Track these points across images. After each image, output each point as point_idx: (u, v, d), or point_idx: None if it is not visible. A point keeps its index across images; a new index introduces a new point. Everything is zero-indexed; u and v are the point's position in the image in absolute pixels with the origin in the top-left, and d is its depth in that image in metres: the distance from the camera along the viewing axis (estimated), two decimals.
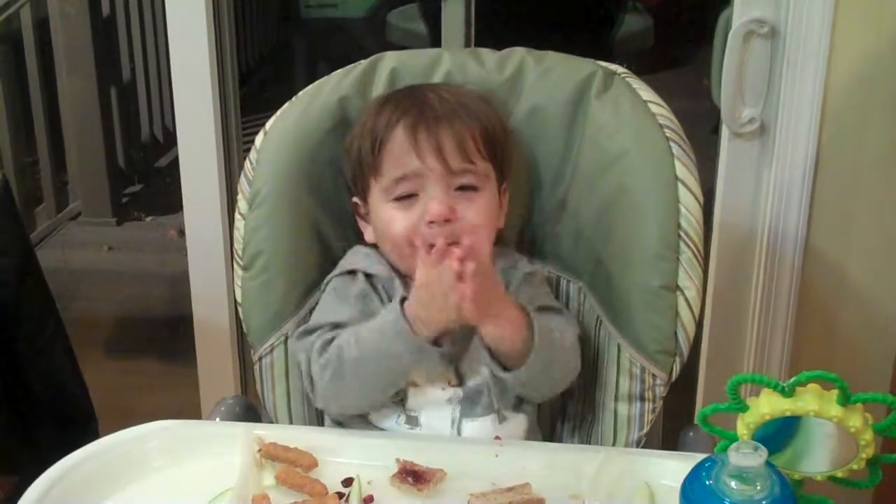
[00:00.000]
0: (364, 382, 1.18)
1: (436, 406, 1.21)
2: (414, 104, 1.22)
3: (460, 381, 1.22)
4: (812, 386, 0.88)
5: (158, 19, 3.69)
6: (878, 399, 0.86)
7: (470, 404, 1.21)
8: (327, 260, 1.31)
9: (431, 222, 1.19)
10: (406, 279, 1.24)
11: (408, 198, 1.21)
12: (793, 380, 0.87)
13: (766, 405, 0.89)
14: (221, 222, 1.92)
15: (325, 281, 1.29)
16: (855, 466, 0.91)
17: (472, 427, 1.21)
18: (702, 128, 2.21)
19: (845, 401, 0.87)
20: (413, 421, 1.21)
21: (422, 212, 1.19)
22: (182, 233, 2.01)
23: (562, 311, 1.27)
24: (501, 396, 1.22)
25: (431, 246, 1.14)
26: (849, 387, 0.86)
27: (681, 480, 0.89)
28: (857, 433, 0.88)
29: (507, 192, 1.28)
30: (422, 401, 1.21)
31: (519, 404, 1.25)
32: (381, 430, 1.22)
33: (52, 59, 3.43)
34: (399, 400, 1.22)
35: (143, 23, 3.74)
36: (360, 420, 1.24)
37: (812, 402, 0.87)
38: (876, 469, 0.92)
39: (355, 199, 1.28)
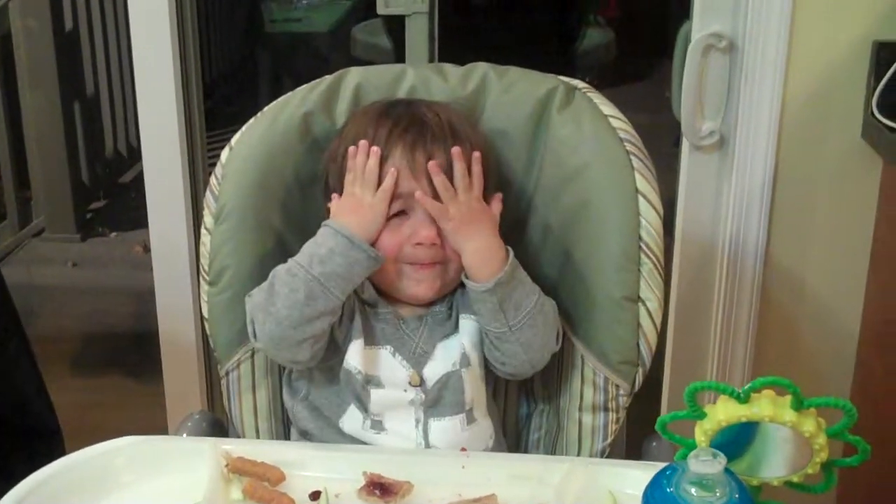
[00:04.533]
0: (294, 290, 1.17)
1: (399, 408, 1.22)
2: (413, 123, 1.23)
3: (422, 383, 1.22)
4: (767, 392, 0.90)
5: (122, 34, 3.68)
6: (830, 404, 0.88)
7: (435, 404, 1.22)
8: None
9: (419, 244, 1.21)
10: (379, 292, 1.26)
11: (396, 216, 1.22)
12: (748, 386, 0.89)
13: (723, 412, 0.90)
14: (187, 237, 1.92)
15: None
16: (810, 471, 0.93)
17: (439, 426, 1.22)
18: (664, 141, 2.24)
19: (799, 406, 0.88)
20: (378, 426, 1.22)
21: (410, 232, 1.21)
22: (147, 248, 2.00)
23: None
24: (476, 383, 1.23)
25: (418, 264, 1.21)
26: (801, 392, 0.88)
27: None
28: (811, 437, 0.89)
29: (499, 201, 1.27)
30: (384, 402, 1.22)
31: (492, 398, 1.27)
32: (348, 435, 1.23)
33: (15, 74, 3.41)
34: (362, 404, 1.22)
35: (107, 37, 3.73)
36: (326, 426, 1.25)
37: (766, 407, 0.89)
38: (830, 473, 0.94)
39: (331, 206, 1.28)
